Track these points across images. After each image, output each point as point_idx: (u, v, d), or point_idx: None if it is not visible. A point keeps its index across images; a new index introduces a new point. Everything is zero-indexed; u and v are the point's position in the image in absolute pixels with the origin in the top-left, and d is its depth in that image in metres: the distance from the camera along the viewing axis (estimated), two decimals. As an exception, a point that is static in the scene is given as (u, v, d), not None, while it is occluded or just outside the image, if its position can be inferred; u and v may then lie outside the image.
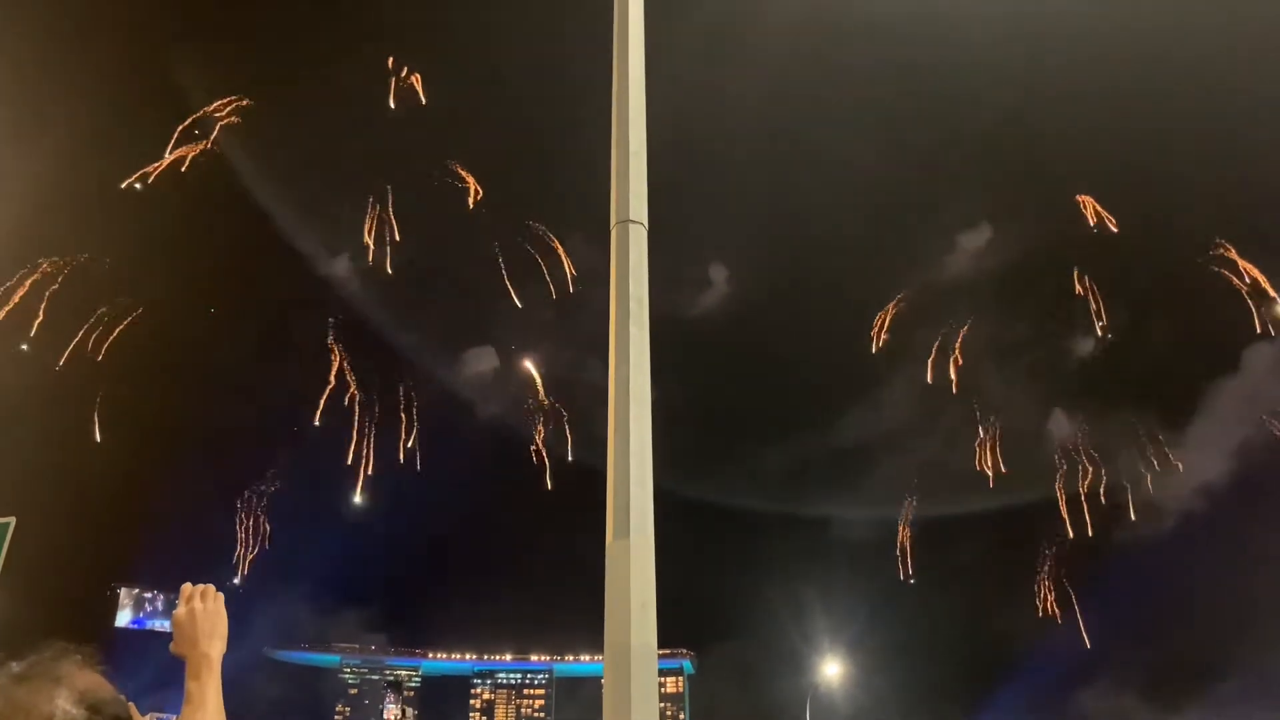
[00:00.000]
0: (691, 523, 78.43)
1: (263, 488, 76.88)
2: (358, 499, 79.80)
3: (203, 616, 3.99)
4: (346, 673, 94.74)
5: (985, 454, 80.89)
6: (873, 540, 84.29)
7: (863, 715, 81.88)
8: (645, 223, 7.98)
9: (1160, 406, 74.82)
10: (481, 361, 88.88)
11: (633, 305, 7.67)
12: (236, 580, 75.25)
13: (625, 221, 7.93)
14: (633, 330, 7.60)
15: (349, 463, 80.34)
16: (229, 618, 4.12)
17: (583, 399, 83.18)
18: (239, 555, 75.15)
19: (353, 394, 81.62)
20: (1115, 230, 71.66)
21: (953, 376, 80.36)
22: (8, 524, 9.28)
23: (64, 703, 2.97)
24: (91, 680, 3.19)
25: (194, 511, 74.56)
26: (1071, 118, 71.63)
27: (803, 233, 79.77)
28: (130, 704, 3.50)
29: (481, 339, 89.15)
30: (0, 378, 65.55)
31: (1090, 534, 76.51)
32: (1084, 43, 67.75)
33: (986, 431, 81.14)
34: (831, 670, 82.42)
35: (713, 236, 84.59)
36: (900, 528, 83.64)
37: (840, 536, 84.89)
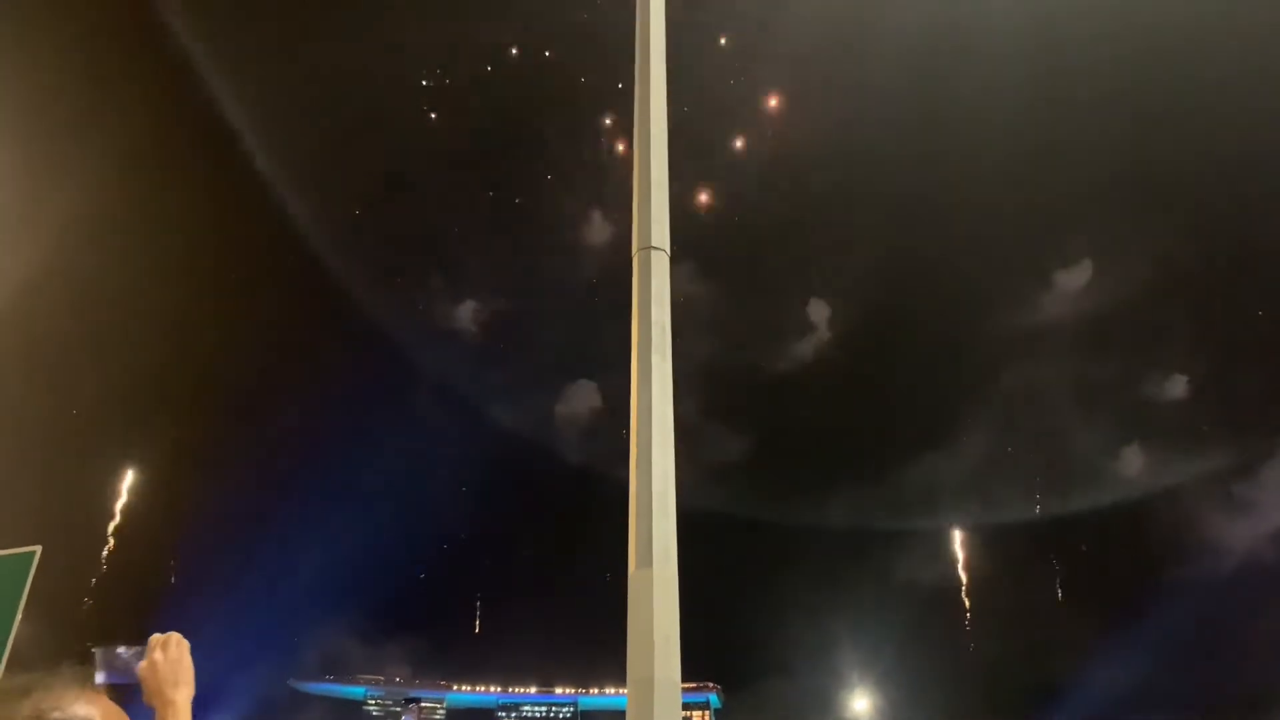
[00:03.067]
0: (723, 553, 77.68)
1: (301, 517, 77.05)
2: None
3: (164, 666, 4.01)
4: (371, 705, 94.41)
5: (1042, 486, 79.99)
6: (909, 572, 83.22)
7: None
8: (667, 249, 7.96)
9: (1240, 448, 73.46)
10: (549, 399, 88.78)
11: (655, 332, 7.62)
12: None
13: (647, 248, 7.91)
14: (655, 358, 7.54)
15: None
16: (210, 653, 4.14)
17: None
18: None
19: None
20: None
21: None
22: (33, 554, 9.24)
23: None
24: (60, 701, 3.11)
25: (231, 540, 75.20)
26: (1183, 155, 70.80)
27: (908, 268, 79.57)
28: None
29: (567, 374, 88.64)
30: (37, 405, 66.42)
31: (1146, 568, 75.06)
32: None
33: (1046, 464, 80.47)
34: (860, 705, 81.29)
35: (812, 277, 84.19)
36: (958, 563, 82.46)
37: (874, 568, 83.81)
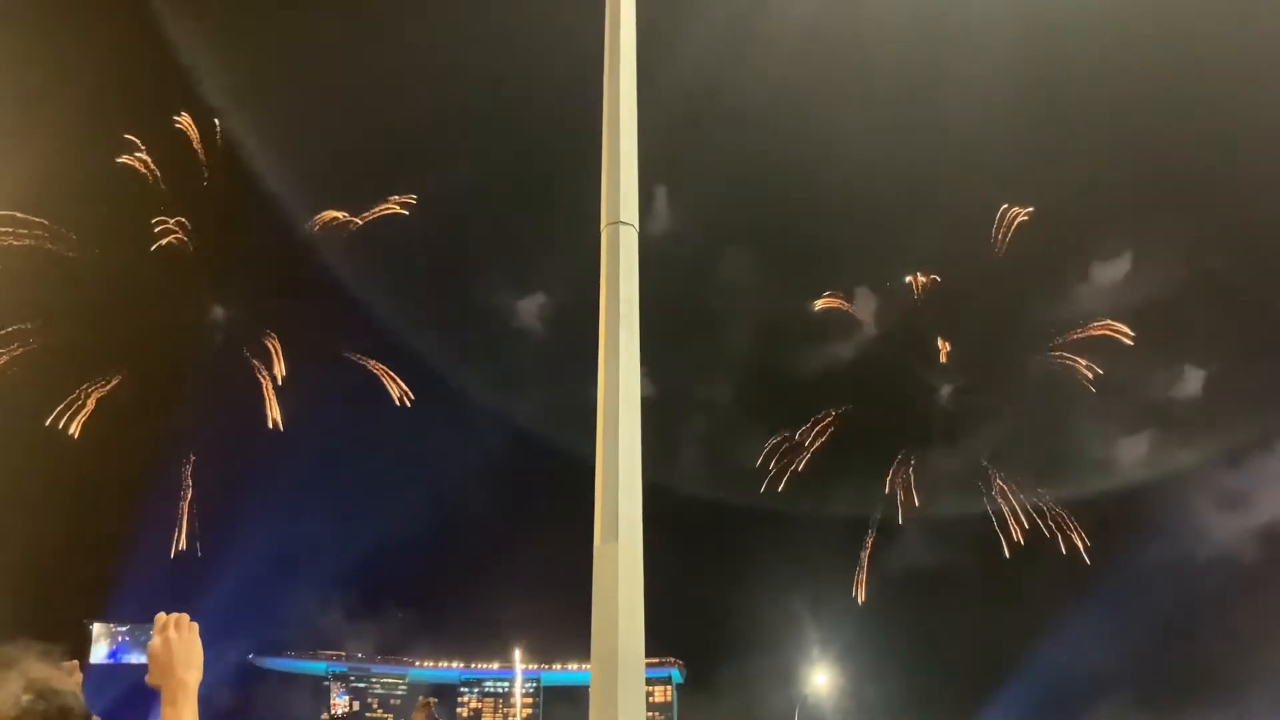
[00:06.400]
0: (683, 530, 77.99)
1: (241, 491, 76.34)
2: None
3: (177, 645, 4.05)
4: (329, 680, 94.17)
5: (1032, 473, 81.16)
6: (864, 546, 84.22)
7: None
8: (636, 224, 7.95)
9: (1238, 444, 74.15)
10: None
11: (623, 307, 7.61)
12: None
13: (616, 223, 7.89)
14: (623, 333, 7.53)
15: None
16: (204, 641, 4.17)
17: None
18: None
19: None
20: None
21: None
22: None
23: (12, 689, 3.02)
24: (46, 671, 3.22)
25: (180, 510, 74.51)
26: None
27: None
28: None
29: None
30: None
31: (1124, 555, 76.17)
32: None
33: (1044, 453, 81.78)
34: (820, 680, 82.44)
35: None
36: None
37: (834, 544, 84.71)
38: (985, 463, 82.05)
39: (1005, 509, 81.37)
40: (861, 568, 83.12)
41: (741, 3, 69.83)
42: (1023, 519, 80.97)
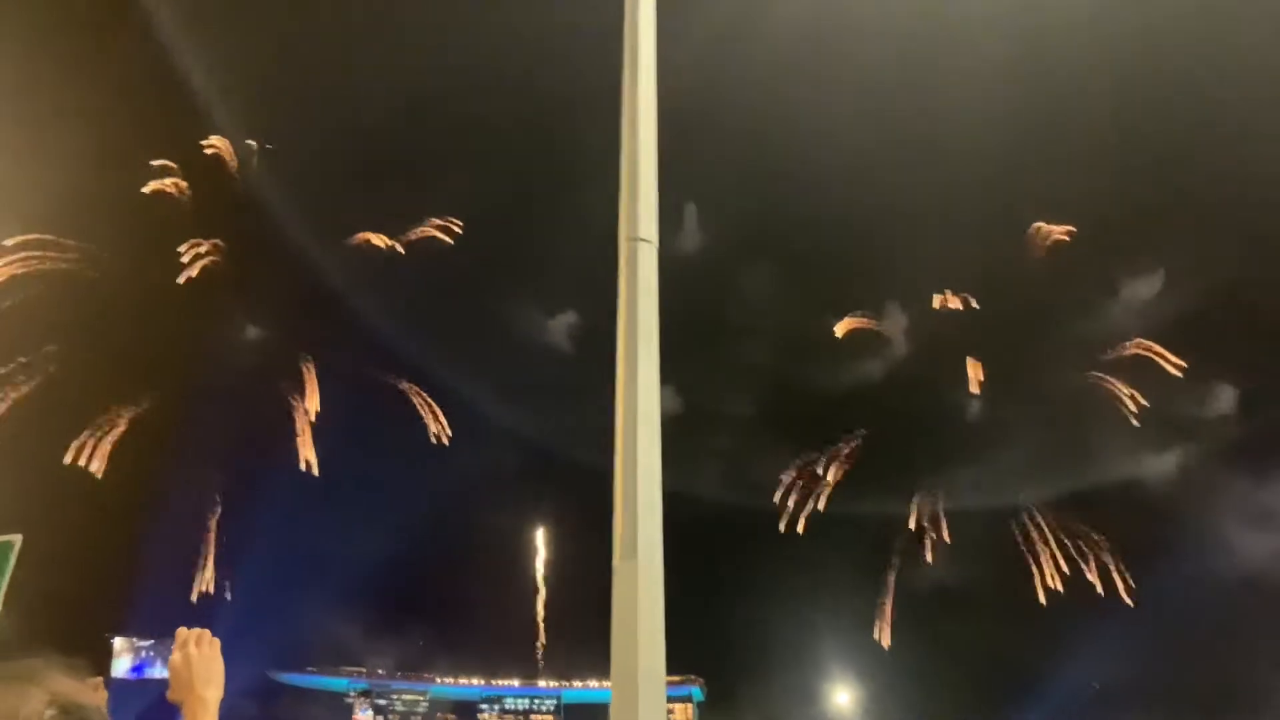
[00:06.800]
0: (704, 547, 77.69)
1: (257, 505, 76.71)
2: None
3: (198, 662, 4.03)
4: (353, 697, 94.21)
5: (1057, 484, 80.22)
6: (890, 564, 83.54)
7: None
8: (655, 241, 7.90)
9: (1269, 460, 72.97)
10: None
11: (641, 326, 7.58)
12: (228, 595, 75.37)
13: (635, 239, 7.85)
14: (641, 351, 7.50)
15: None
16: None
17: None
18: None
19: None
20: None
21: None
22: (12, 542, 9.16)
23: (36, 704, 3.03)
24: (70, 686, 3.23)
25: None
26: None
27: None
28: None
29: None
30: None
31: (1149, 570, 75.01)
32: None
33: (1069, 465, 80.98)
34: (842, 698, 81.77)
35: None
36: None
37: (856, 561, 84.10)
38: (1013, 482, 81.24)
39: (1035, 535, 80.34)
40: (884, 610, 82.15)
41: (759, 13, 69.93)
42: (1054, 549, 79.76)
